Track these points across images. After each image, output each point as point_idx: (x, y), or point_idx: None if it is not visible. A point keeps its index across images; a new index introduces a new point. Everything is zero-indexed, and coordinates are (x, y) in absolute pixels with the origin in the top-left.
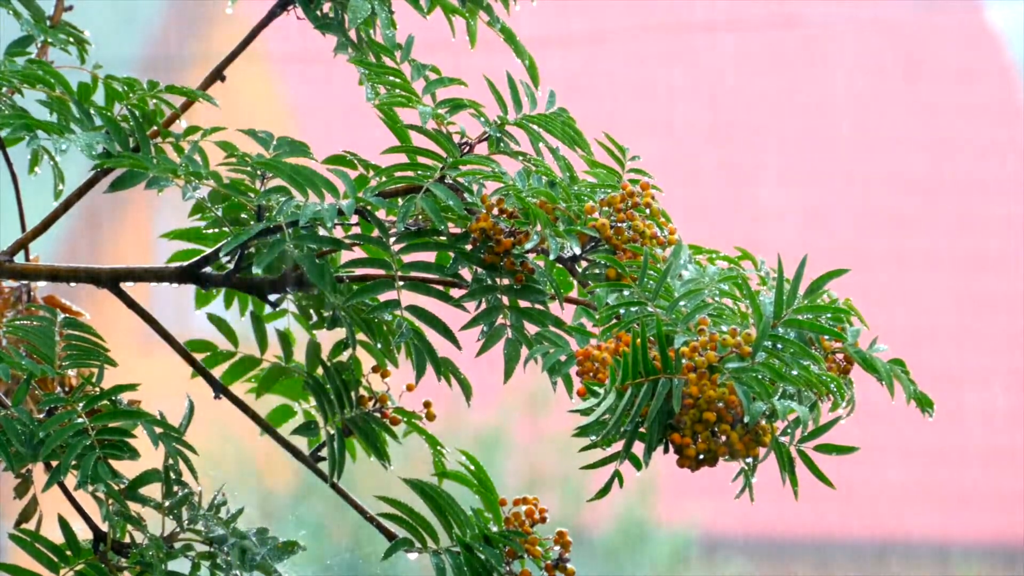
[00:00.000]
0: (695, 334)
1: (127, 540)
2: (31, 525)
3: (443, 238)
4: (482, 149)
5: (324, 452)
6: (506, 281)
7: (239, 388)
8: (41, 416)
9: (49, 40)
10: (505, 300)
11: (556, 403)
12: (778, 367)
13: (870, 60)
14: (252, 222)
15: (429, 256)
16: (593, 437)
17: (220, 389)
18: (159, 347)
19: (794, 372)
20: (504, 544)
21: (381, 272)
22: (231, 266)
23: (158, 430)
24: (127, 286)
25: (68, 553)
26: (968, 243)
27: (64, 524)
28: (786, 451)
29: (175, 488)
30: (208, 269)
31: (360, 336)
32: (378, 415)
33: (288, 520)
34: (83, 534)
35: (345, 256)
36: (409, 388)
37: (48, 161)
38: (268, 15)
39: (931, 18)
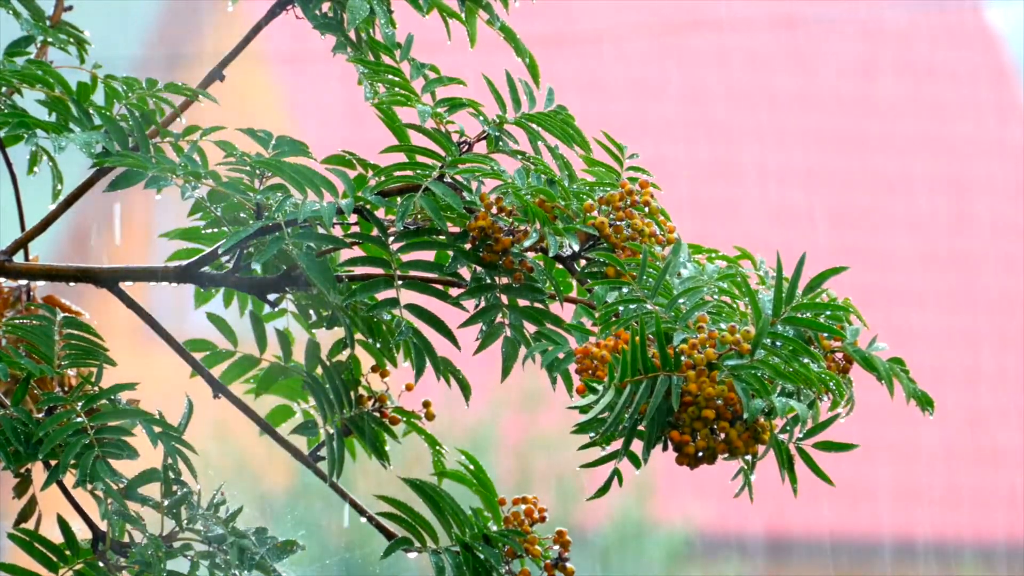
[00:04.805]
0: (694, 331)
1: (126, 539)
2: (30, 524)
3: (442, 237)
4: (481, 148)
5: (323, 452)
6: (505, 280)
7: (238, 388)
8: (40, 415)
9: (49, 40)
10: (504, 299)
11: (551, 402)
12: (777, 365)
13: (870, 60)
14: (251, 221)
15: (428, 255)
16: (592, 435)
17: (219, 388)
18: (158, 347)
19: (793, 370)
20: (503, 543)
21: (380, 271)
22: (230, 265)
23: (157, 429)
24: (126, 286)
25: (67, 552)
26: (967, 243)
27: (63, 523)
28: (785, 449)
29: (174, 487)
30: (207, 268)
31: (359, 335)
32: (377, 415)
33: (286, 520)
34: (82, 533)
35: (344, 255)
36: (408, 388)
37: (47, 161)
38: (268, 15)
39: (931, 18)
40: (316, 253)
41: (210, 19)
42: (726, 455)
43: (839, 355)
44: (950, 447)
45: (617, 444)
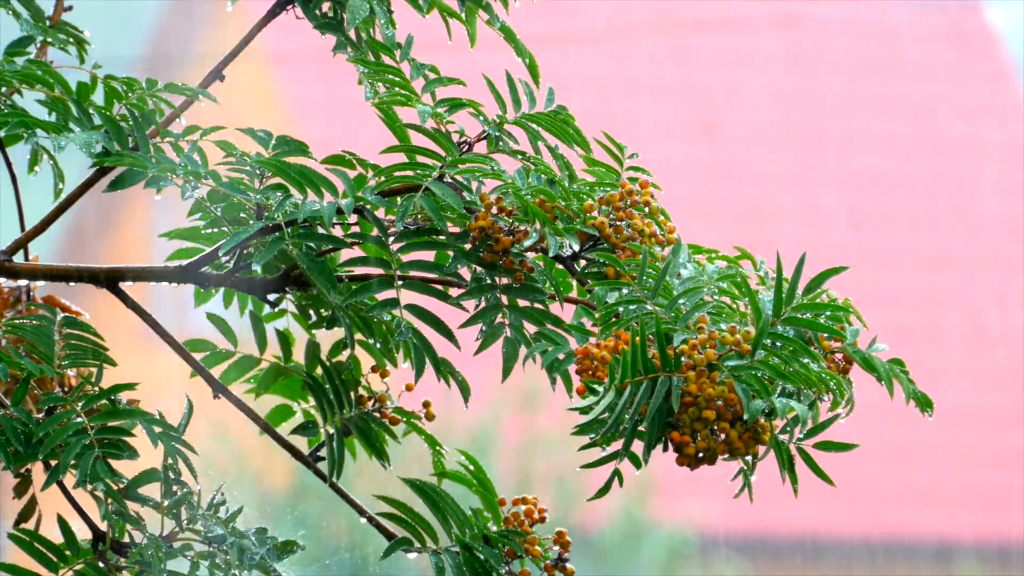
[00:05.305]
0: (694, 332)
1: (126, 540)
2: (30, 524)
3: (442, 237)
4: (481, 148)
5: (323, 452)
6: (505, 280)
7: (238, 388)
8: (40, 415)
9: (48, 40)
10: (504, 299)
11: (549, 402)
12: (777, 365)
13: (870, 60)
14: (251, 221)
15: (428, 255)
16: (592, 435)
17: (219, 389)
18: (158, 347)
19: (793, 370)
20: (503, 544)
21: (380, 271)
22: (230, 265)
23: (157, 429)
24: (126, 286)
25: (67, 553)
26: (968, 243)
27: (63, 524)
28: (785, 449)
29: (174, 487)
30: (207, 268)
31: (359, 336)
32: (377, 415)
33: (286, 520)
34: (82, 534)
35: (344, 255)
36: (408, 388)
37: (47, 161)
38: (268, 15)
39: (931, 18)
40: (316, 253)
41: (210, 19)
42: (726, 456)
43: (839, 355)
44: (950, 447)
45: (617, 445)
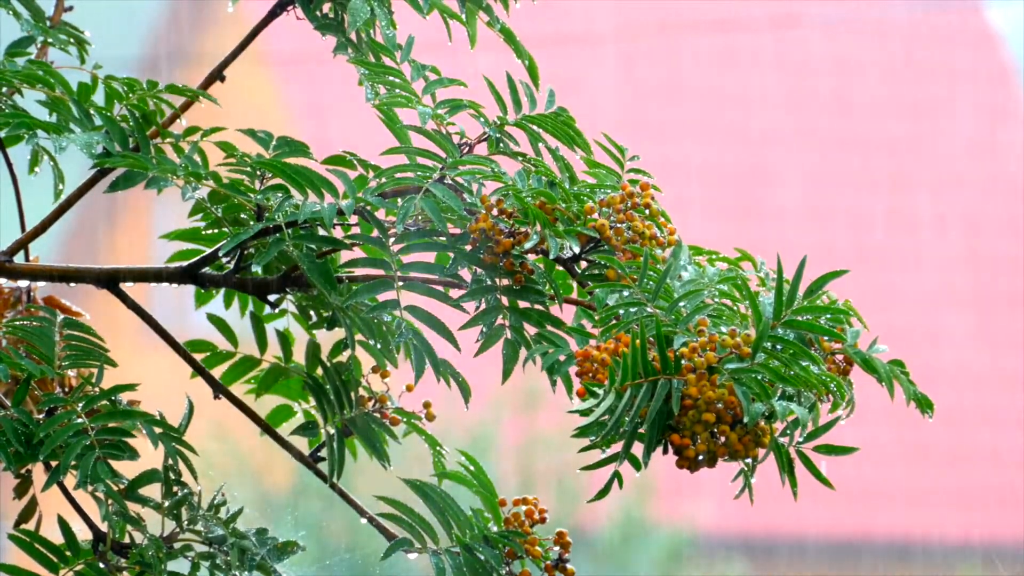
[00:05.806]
0: (694, 335)
1: (127, 540)
2: (31, 525)
3: (443, 238)
4: (481, 149)
5: (324, 452)
6: (505, 281)
7: (239, 388)
8: (41, 416)
9: (49, 40)
10: (504, 300)
11: (549, 403)
12: (777, 368)
13: (869, 60)
14: (252, 222)
15: (429, 256)
16: (593, 438)
17: (220, 389)
18: (159, 347)
19: (793, 373)
20: (504, 544)
21: (380, 272)
22: (231, 266)
23: (157, 430)
24: (126, 286)
25: (68, 553)
26: (968, 243)
27: (63, 524)
28: (785, 452)
29: (174, 488)
30: (207, 269)
31: (359, 336)
32: (378, 415)
33: (286, 520)
34: (82, 534)
35: (345, 256)
36: (408, 388)
37: (48, 161)
38: (268, 15)
39: (931, 18)
40: (316, 254)
41: (210, 19)
42: (727, 458)
43: (839, 357)
44: (950, 447)
45: (617, 447)
